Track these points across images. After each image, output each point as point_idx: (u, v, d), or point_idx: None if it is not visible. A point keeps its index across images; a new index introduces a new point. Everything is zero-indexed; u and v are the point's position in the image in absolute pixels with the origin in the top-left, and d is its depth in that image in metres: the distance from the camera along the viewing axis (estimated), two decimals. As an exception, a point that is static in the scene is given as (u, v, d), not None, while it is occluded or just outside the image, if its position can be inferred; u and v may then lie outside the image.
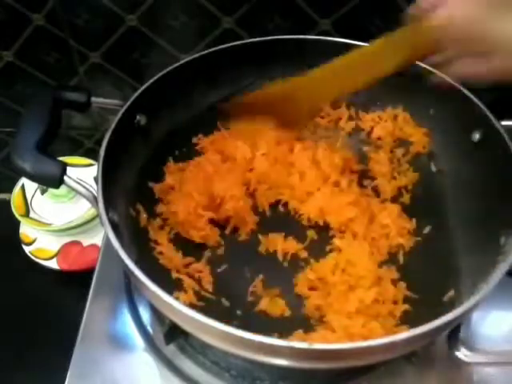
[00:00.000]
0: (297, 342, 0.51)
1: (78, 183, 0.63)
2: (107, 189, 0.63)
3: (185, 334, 0.67)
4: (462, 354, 0.68)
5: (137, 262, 0.57)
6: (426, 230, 0.74)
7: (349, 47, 0.79)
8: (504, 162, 0.67)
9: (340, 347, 0.51)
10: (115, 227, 0.60)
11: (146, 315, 0.74)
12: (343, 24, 0.85)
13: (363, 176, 0.80)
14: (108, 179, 0.64)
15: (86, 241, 0.95)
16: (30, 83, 0.95)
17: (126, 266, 0.56)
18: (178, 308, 0.53)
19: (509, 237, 0.62)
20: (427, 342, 0.63)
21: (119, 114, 0.69)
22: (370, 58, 0.67)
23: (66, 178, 0.63)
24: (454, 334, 0.67)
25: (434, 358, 0.69)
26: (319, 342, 0.52)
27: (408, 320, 0.64)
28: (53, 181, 0.62)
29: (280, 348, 0.51)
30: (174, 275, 0.68)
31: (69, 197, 0.93)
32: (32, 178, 0.63)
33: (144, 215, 0.72)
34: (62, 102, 0.68)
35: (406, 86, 0.79)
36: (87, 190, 0.63)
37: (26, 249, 0.95)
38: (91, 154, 1.01)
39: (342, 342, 0.58)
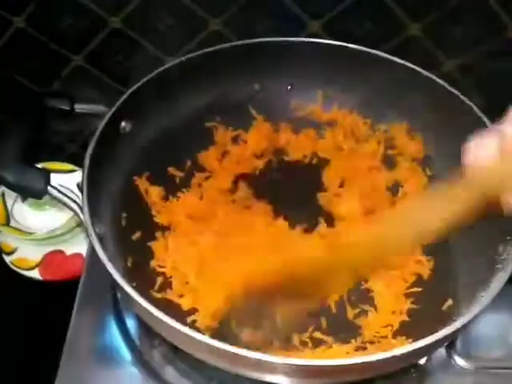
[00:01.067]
0: (291, 359, 0.50)
1: (62, 193, 0.62)
2: (92, 199, 0.61)
3: (174, 348, 0.66)
4: (460, 361, 0.68)
5: (124, 275, 0.56)
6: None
7: (338, 49, 0.79)
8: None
9: (337, 363, 0.50)
10: (101, 238, 0.58)
11: (133, 327, 0.72)
12: (333, 26, 0.83)
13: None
14: (93, 189, 0.62)
15: (69, 249, 0.92)
16: (10, 87, 0.93)
17: (114, 280, 0.54)
18: (169, 324, 0.51)
19: (507, 245, 0.61)
20: (425, 355, 0.63)
21: (103, 122, 0.67)
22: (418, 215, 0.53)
23: (49, 188, 0.61)
24: (452, 341, 0.67)
25: (432, 365, 0.68)
26: (315, 358, 0.51)
27: (406, 331, 0.63)
28: (36, 192, 0.61)
29: (273, 365, 0.49)
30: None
31: (51, 204, 0.91)
32: (14, 188, 0.62)
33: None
34: (44, 109, 0.66)
35: (399, 87, 0.78)
36: (72, 199, 0.62)
37: (7, 258, 0.93)
38: (74, 158, 0.99)
39: (338, 357, 0.57)
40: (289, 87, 0.85)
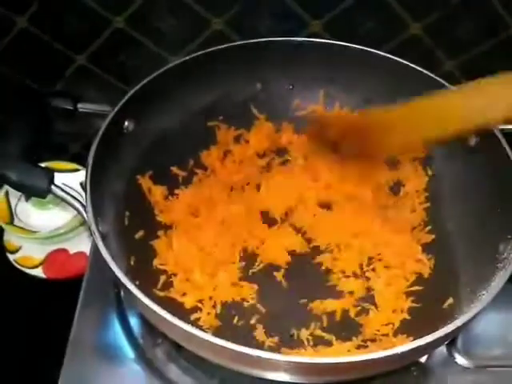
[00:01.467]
0: (292, 357, 0.51)
1: (66, 192, 0.62)
2: (96, 198, 0.61)
3: (177, 346, 0.66)
4: (461, 359, 0.69)
5: (127, 273, 0.56)
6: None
7: (340, 49, 0.79)
8: (501, 167, 0.66)
9: (337, 361, 0.50)
10: (104, 237, 0.59)
11: (136, 325, 0.72)
12: (334, 26, 0.84)
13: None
14: (96, 188, 0.62)
15: (73, 248, 0.92)
16: (14, 87, 0.93)
17: (117, 279, 0.55)
18: (172, 322, 0.51)
19: (508, 244, 0.61)
20: (426, 353, 0.63)
21: (106, 121, 0.67)
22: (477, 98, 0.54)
23: (53, 187, 0.61)
24: (453, 340, 0.67)
25: (433, 363, 0.68)
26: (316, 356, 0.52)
27: (407, 329, 0.64)
28: (40, 191, 0.61)
29: (275, 362, 0.50)
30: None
31: (54, 202, 0.91)
32: (18, 187, 0.62)
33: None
34: (48, 109, 0.66)
35: (400, 87, 0.78)
36: (75, 198, 0.62)
37: (11, 257, 0.93)
38: (78, 158, 1.00)
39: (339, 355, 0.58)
40: (290, 87, 0.85)
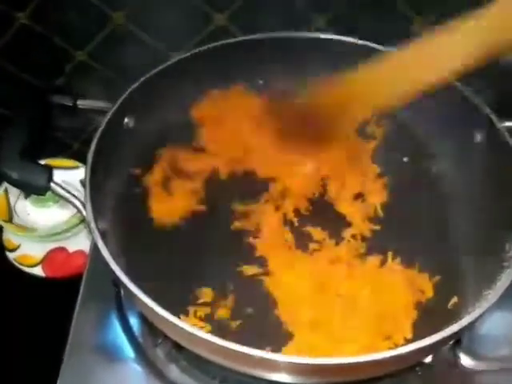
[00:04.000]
0: (294, 357, 0.50)
1: (65, 189, 0.62)
2: (95, 196, 0.61)
3: (178, 346, 0.65)
4: (466, 359, 0.68)
5: (127, 273, 0.56)
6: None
7: (342, 44, 0.79)
8: (506, 164, 0.66)
9: (343, 361, 0.50)
10: (104, 235, 0.58)
11: (136, 324, 0.72)
12: (338, 21, 0.83)
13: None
14: (96, 185, 0.62)
15: (72, 246, 0.92)
16: (14, 83, 0.93)
17: (117, 277, 0.54)
18: (172, 321, 0.51)
19: (514, 242, 0.60)
20: (431, 353, 0.62)
21: (106, 118, 0.67)
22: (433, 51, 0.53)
23: (52, 184, 0.61)
24: (458, 340, 0.67)
25: (438, 363, 0.67)
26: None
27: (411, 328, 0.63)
28: (39, 188, 0.61)
29: (279, 363, 0.49)
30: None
31: (54, 200, 0.91)
32: (17, 184, 0.62)
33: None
34: (48, 105, 0.66)
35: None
36: (75, 196, 0.61)
37: (10, 255, 0.93)
38: (77, 155, 0.99)
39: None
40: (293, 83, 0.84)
